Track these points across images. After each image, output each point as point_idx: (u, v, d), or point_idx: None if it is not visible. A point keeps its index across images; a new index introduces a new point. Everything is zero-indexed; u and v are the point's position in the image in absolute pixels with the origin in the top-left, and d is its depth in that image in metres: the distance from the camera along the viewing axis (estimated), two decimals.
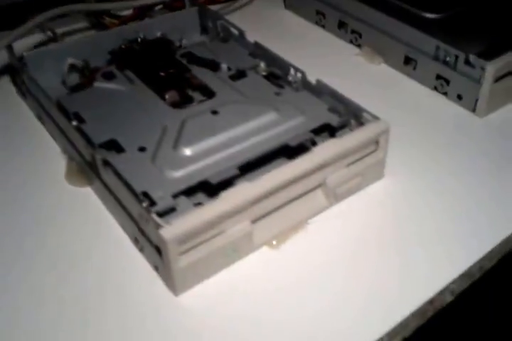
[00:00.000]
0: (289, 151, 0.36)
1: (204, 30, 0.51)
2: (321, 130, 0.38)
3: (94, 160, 0.35)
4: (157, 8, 0.53)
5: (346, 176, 0.37)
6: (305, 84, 0.41)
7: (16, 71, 0.45)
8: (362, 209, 0.37)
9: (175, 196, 0.33)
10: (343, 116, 0.38)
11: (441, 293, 0.33)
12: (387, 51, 0.50)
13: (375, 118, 0.37)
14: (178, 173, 0.34)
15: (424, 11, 0.49)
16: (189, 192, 0.34)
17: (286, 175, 0.33)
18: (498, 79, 0.43)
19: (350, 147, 0.35)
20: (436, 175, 0.40)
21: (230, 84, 0.42)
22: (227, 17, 0.49)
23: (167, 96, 0.41)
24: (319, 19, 0.56)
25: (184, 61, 0.45)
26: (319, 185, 0.36)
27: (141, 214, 0.31)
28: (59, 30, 0.50)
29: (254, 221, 0.33)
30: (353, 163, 0.37)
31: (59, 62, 0.43)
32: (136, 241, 0.35)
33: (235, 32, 0.47)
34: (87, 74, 0.43)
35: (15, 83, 0.47)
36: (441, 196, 0.38)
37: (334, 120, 0.38)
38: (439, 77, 0.46)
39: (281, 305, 0.32)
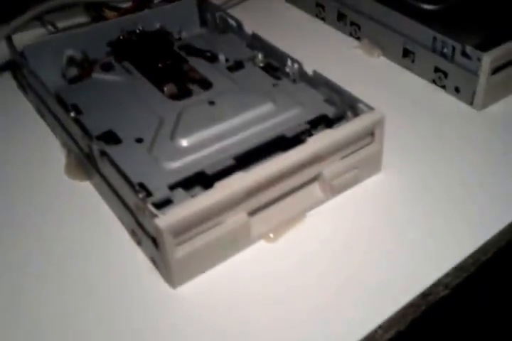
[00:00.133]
0: (285, 142, 0.36)
1: (203, 22, 0.51)
2: (318, 122, 0.38)
3: (92, 151, 0.35)
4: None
5: (342, 168, 0.37)
6: (302, 75, 0.41)
7: (16, 65, 0.45)
8: (359, 202, 0.37)
9: (171, 187, 0.33)
10: (339, 107, 0.38)
11: (435, 285, 0.33)
12: (385, 43, 0.50)
13: (370, 108, 0.37)
14: (175, 164, 0.35)
15: (422, 2, 0.49)
16: (186, 183, 0.34)
17: (281, 165, 0.33)
18: (495, 71, 0.43)
19: (344, 137, 0.35)
20: (434, 168, 0.40)
21: (228, 75, 0.42)
22: (229, 11, 0.49)
23: (165, 89, 0.41)
24: (319, 11, 0.56)
25: (182, 53, 0.45)
26: (316, 178, 0.36)
27: (138, 205, 0.31)
28: (59, 25, 0.51)
29: (250, 213, 0.34)
30: (349, 154, 0.37)
31: (58, 54, 0.43)
32: (133, 234, 0.35)
33: (233, 23, 0.47)
34: (86, 67, 0.44)
35: (16, 78, 0.48)
36: (438, 189, 0.38)
37: (331, 111, 0.38)
38: (437, 69, 0.46)
39: (279, 298, 0.32)
